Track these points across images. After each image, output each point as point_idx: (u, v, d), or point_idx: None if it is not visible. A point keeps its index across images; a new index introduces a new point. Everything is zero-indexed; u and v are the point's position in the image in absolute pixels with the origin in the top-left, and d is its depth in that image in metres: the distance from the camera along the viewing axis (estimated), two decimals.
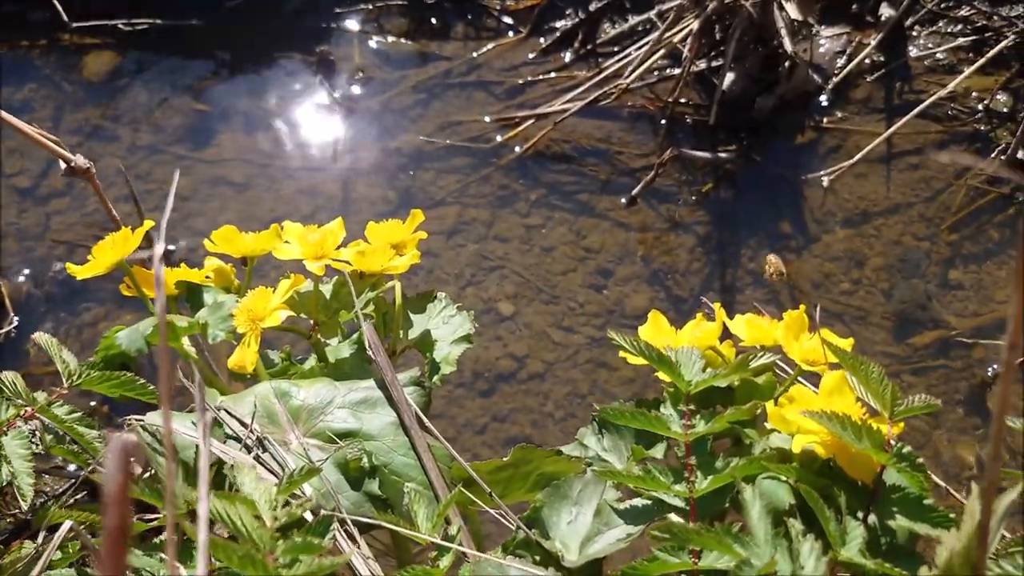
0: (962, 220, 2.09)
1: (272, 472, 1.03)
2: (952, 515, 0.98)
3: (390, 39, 2.46)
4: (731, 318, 1.25)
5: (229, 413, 1.07)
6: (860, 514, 0.97)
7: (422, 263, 2.10)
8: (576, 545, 1.09)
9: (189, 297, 1.31)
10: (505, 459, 1.19)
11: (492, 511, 1.12)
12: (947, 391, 1.90)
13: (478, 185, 2.21)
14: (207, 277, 1.34)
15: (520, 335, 2.00)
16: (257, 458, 1.03)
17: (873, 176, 2.16)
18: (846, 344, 1.16)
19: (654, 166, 2.07)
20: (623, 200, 2.14)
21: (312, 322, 1.22)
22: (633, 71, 2.15)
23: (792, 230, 2.11)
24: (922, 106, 2.10)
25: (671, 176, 2.19)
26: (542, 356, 1.97)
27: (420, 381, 1.13)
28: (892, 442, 0.98)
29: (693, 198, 2.16)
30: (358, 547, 1.00)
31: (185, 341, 1.30)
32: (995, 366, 1.89)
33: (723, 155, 2.16)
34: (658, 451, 1.12)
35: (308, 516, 0.99)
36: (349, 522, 1.01)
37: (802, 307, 1.17)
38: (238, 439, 1.05)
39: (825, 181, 2.10)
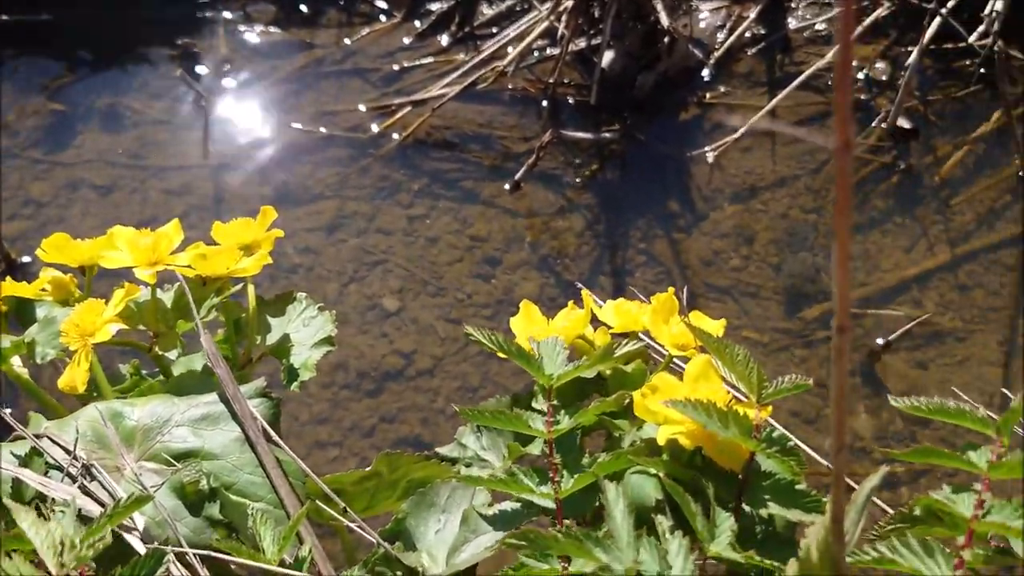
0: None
1: (101, 503, 0.94)
2: (825, 499, 0.94)
3: (258, 28, 2.34)
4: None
5: (53, 440, 0.97)
6: (732, 505, 0.93)
7: (301, 261, 2.01)
8: (443, 556, 1.02)
9: (19, 313, 1.20)
10: (368, 468, 1.11)
11: (353, 526, 1.05)
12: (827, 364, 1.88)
13: (357, 177, 2.12)
14: (43, 290, 1.23)
15: (406, 330, 1.92)
16: (83, 488, 0.94)
17: (758, 150, 2.14)
18: (717, 326, 1.11)
19: (535, 150, 2.01)
20: (507, 186, 2.08)
21: (151, 334, 1.13)
22: (511, 53, 2.08)
23: (680, 208, 2.08)
24: (801, 78, 2.08)
25: (555, 159, 2.13)
26: (430, 351, 1.90)
27: (266, 392, 1.04)
28: (762, 427, 0.94)
29: (578, 180, 2.11)
30: None
31: (16, 362, 1.19)
32: (881, 340, 1.88)
33: (607, 135, 2.11)
34: (536, 447, 1.06)
35: (142, 549, 0.91)
36: (190, 553, 0.93)
37: (671, 290, 1.12)
38: (61, 468, 0.95)
39: (710, 157, 2.07)
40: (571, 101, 2.19)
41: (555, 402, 0.99)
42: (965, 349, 1.90)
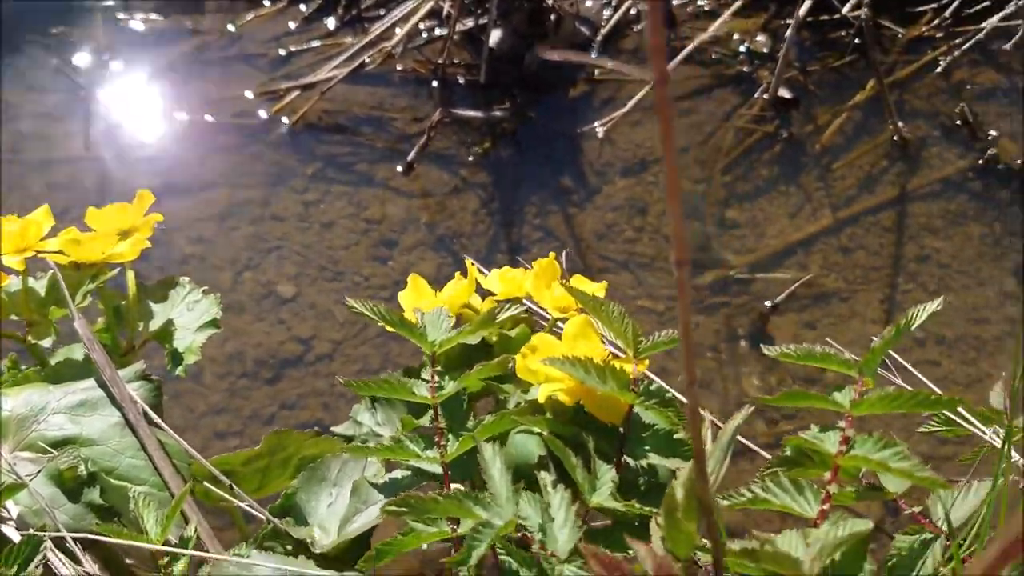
0: (734, 160, 2.14)
1: None
2: None
3: (139, 15, 2.29)
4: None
5: None
6: (615, 458, 0.95)
7: (193, 251, 1.97)
8: (335, 527, 1.02)
9: None
10: (257, 447, 1.11)
11: (243, 505, 1.04)
12: (731, 327, 1.94)
13: (248, 164, 2.09)
14: None
15: (304, 316, 1.90)
16: None
17: (648, 124, 2.19)
18: (598, 288, 1.14)
19: (426, 130, 2.01)
20: (399, 168, 2.08)
21: (26, 324, 1.10)
22: (398, 34, 2.07)
23: (573, 183, 2.11)
24: (684, 52, 2.13)
25: (448, 139, 2.14)
26: (329, 336, 1.88)
27: (146, 375, 1.03)
28: (639, 381, 0.96)
29: (471, 159, 2.12)
30: (81, 565, 0.90)
31: None
32: (771, 300, 1.94)
33: (497, 114, 2.12)
34: (427, 419, 1.07)
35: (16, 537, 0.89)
36: (69, 539, 0.91)
37: (551, 255, 1.14)
38: None
39: (600, 132, 2.10)
40: (461, 81, 2.20)
41: (439, 369, 1.00)
42: (849, 308, 1.98)
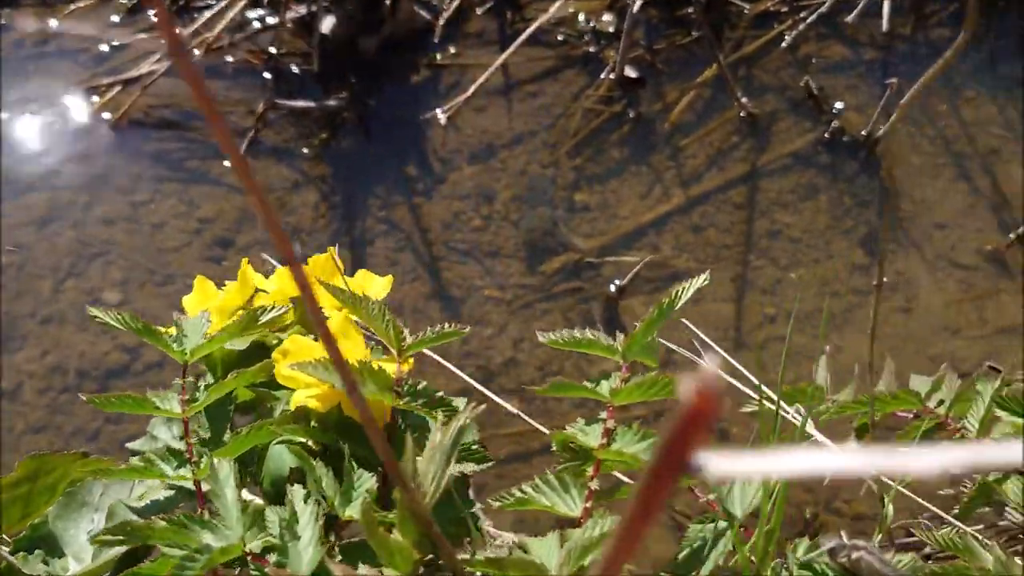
0: (582, 142, 2.10)
1: None
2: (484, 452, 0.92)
3: None
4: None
5: None
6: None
7: (10, 260, 1.85)
8: (90, 556, 0.94)
9: None
10: (15, 472, 1.01)
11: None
12: (581, 312, 1.90)
13: (71, 164, 1.96)
14: None
15: None
16: None
17: (494, 109, 2.13)
18: (383, 283, 1.07)
19: (254, 122, 1.92)
20: (225, 163, 1.98)
21: None
22: (223, 24, 1.98)
23: (418, 172, 2.04)
24: (526, 34, 2.08)
25: (286, 132, 2.05)
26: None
27: None
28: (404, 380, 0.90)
29: (311, 152, 2.04)
30: None
31: None
32: (617, 281, 1.91)
33: (333, 103, 2.04)
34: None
35: None
36: None
37: (331, 250, 1.07)
38: None
39: (442, 118, 2.04)
40: (296, 70, 2.10)
41: (191, 378, 0.93)
42: (701, 288, 1.96)
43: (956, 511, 1.05)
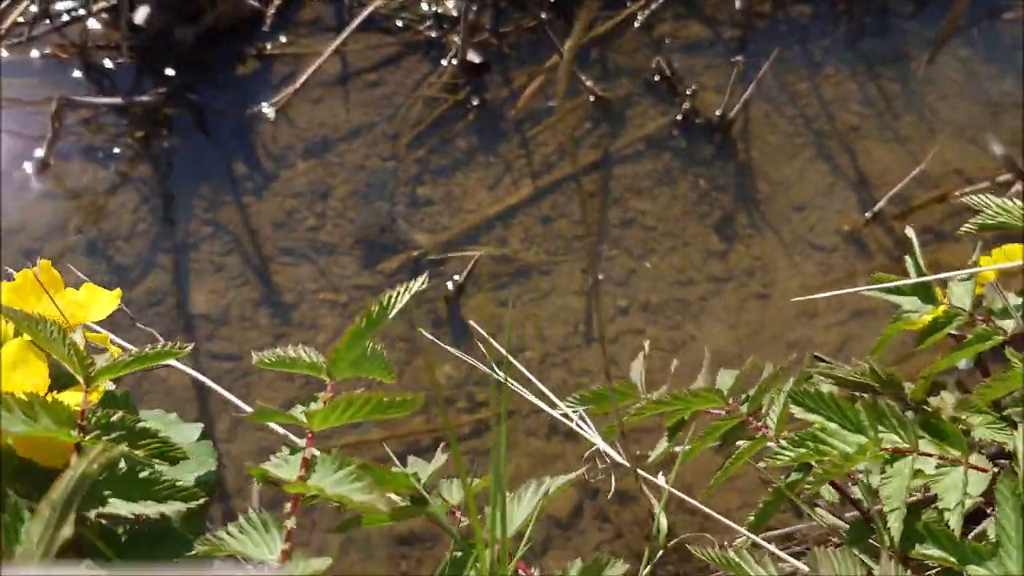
0: (425, 133, 1.99)
1: None
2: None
3: None
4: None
5: None
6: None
7: None
8: None
9: None
10: None
11: None
12: (421, 312, 1.79)
13: None
14: None
15: None
16: None
17: (331, 100, 2.01)
18: (111, 298, 0.95)
19: (51, 122, 1.77)
20: (28, 168, 1.83)
21: None
22: (14, 15, 1.82)
23: (248, 170, 1.91)
24: (358, 19, 1.96)
25: (103, 130, 1.90)
26: None
27: None
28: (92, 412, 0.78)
29: (129, 151, 1.89)
30: None
31: None
32: (456, 277, 1.81)
33: (150, 99, 1.90)
34: None
35: None
36: None
37: (45, 263, 0.94)
38: None
39: (270, 112, 1.91)
40: (110, 64, 1.95)
41: None
42: (550, 281, 1.87)
43: (750, 520, 0.97)
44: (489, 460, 1.68)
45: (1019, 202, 1.07)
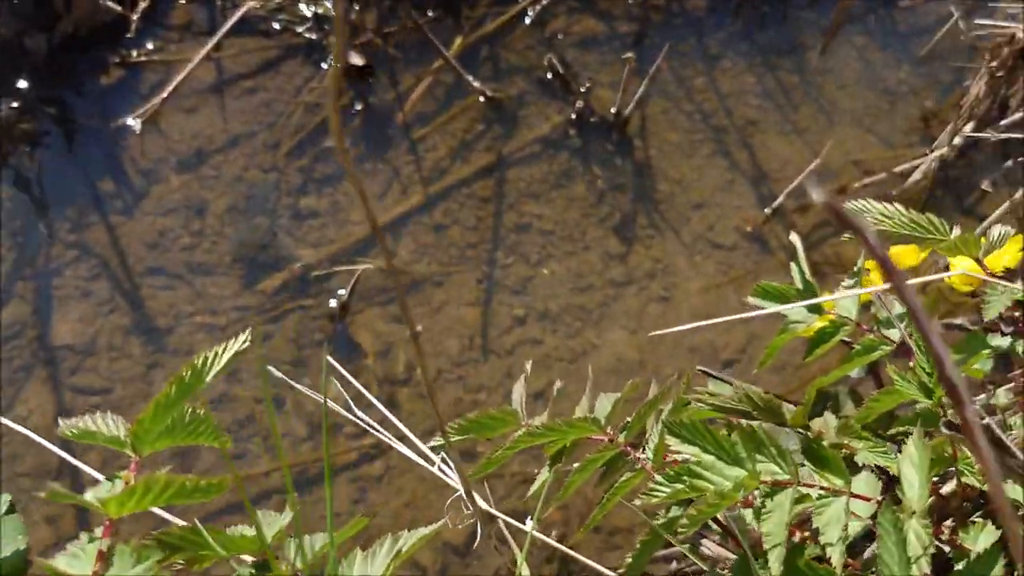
0: (307, 141, 1.89)
1: None
2: None
3: None
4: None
5: None
6: None
7: None
8: None
9: None
10: None
11: None
12: (306, 331, 1.70)
13: None
14: None
15: None
16: None
17: (205, 109, 1.89)
18: None
19: None
20: None
21: None
22: None
23: (116, 187, 1.79)
24: (231, 22, 1.85)
25: None
26: None
27: None
28: None
29: None
30: None
31: None
32: (341, 292, 1.72)
33: (4, 113, 1.76)
34: None
35: None
36: None
37: None
38: None
39: (136, 125, 1.79)
40: None
41: None
42: (444, 293, 1.79)
43: (627, 563, 0.91)
44: (380, 487, 1.59)
45: (900, 207, 1.03)
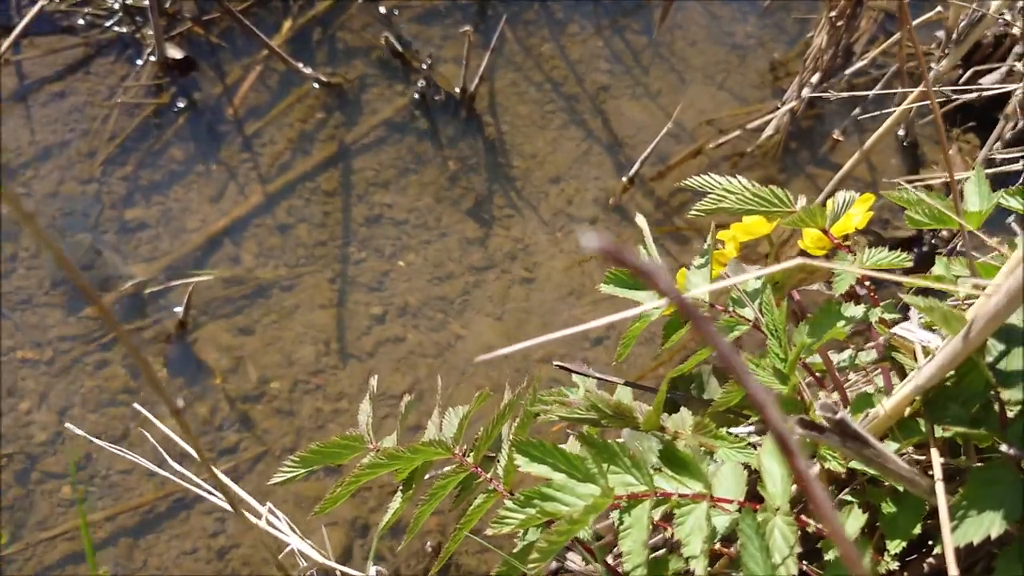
0: (129, 145, 1.74)
1: None
2: None
3: None
4: None
5: None
6: None
7: None
8: None
9: None
10: None
11: None
12: (147, 353, 1.56)
13: None
14: None
15: None
16: None
17: (9, 119, 1.71)
18: None
19: None
20: None
21: None
22: None
23: None
24: (25, 20, 1.67)
25: None
26: None
27: None
28: None
29: None
30: None
31: None
32: (177, 309, 1.58)
33: None
34: None
35: None
36: None
37: None
38: None
39: None
40: None
41: None
42: (294, 297, 1.67)
43: None
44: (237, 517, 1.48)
45: (744, 180, 0.97)
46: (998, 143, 1.83)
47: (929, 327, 0.85)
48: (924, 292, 1.45)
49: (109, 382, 1.53)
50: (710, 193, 0.97)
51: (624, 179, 1.86)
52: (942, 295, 1.14)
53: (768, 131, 1.92)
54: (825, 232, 0.94)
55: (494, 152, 1.88)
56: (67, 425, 1.46)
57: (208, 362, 1.57)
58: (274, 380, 1.59)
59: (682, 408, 0.87)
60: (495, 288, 1.74)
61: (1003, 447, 0.71)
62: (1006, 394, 0.69)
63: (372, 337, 1.66)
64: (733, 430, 0.84)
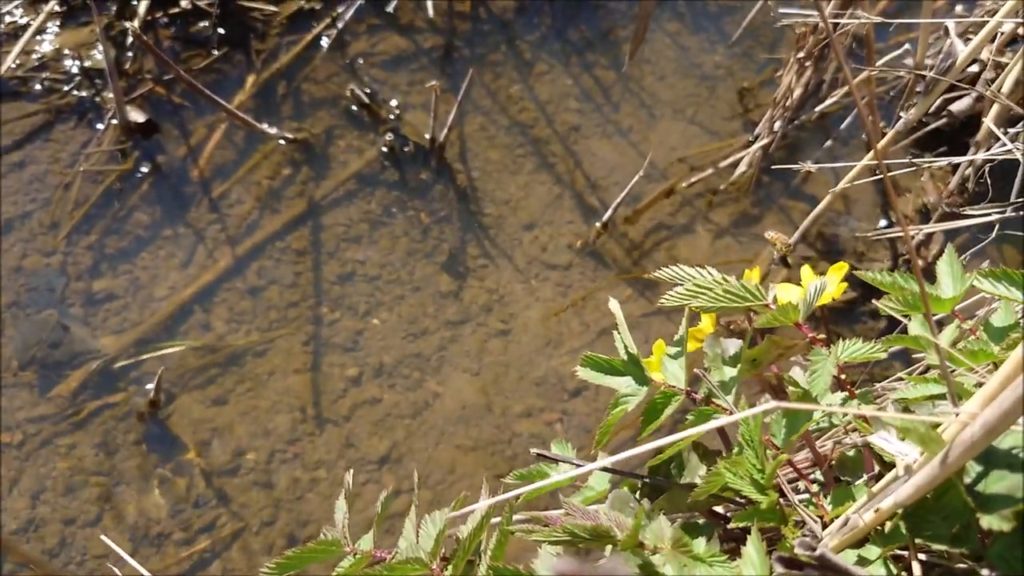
0: (93, 214, 1.70)
1: None
2: None
3: None
4: None
5: None
6: None
7: None
8: None
9: None
10: None
11: None
12: (116, 433, 1.53)
13: None
14: None
15: None
16: None
17: None
18: None
19: None
20: None
21: None
22: None
23: None
24: None
25: None
26: None
27: None
28: None
29: None
30: None
31: None
32: (149, 387, 1.56)
33: None
34: None
35: None
36: None
37: None
38: None
39: None
40: None
41: None
42: (268, 363, 1.65)
43: None
44: None
45: (716, 273, 0.96)
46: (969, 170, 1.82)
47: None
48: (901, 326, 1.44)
49: (79, 463, 1.50)
50: (682, 275, 0.96)
51: (598, 224, 1.84)
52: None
53: (741, 168, 1.91)
54: (799, 326, 0.92)
55: (466, 200, 1.86)
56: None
57: (182, 437, 1.55)
58: (250, 451, 1.56)
59: (662, 518, 0.86)
60: (471, 342, 1.72)
61: (984, 572, 0.70)
62: (984, 520, 0.68)
63: (348, 400, 1.64)
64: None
